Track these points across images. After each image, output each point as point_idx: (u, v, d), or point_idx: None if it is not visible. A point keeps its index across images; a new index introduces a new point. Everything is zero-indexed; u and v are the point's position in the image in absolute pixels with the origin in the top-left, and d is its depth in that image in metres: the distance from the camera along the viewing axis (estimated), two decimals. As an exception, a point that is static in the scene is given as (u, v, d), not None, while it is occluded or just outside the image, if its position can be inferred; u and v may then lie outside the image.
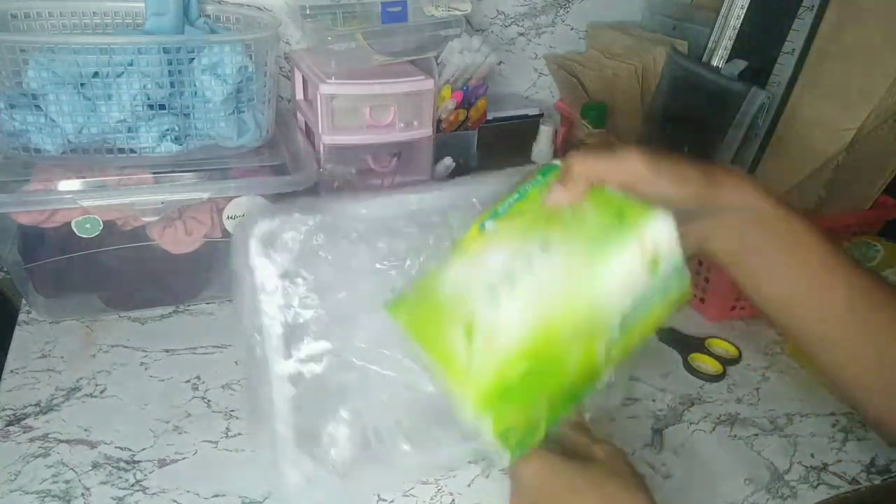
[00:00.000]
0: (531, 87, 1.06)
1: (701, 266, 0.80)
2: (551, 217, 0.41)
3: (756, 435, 0.63)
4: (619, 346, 0.41)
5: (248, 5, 0.80)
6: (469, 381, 0.38)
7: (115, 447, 0.58)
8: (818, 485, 0.58)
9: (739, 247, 0.46)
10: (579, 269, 0.39)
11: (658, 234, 0.41)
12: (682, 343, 0.73)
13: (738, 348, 0.74)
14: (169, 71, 0.66)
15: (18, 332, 0.70)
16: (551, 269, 0.39)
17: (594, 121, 0.88)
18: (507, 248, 0.40)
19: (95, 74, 0.65)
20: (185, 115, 0.69)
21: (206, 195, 0.67)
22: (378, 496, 0.54)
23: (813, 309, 0.46)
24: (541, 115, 0.96)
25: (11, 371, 0.65)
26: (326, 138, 0.76)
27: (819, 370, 0.48)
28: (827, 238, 0.46)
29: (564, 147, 0.91)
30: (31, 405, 0.61)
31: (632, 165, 0.42)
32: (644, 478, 0.44)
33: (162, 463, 0.56)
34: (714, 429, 0.64)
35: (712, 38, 0.85)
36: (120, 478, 0.55)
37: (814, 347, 0.47)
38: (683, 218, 0.43)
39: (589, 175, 0.42)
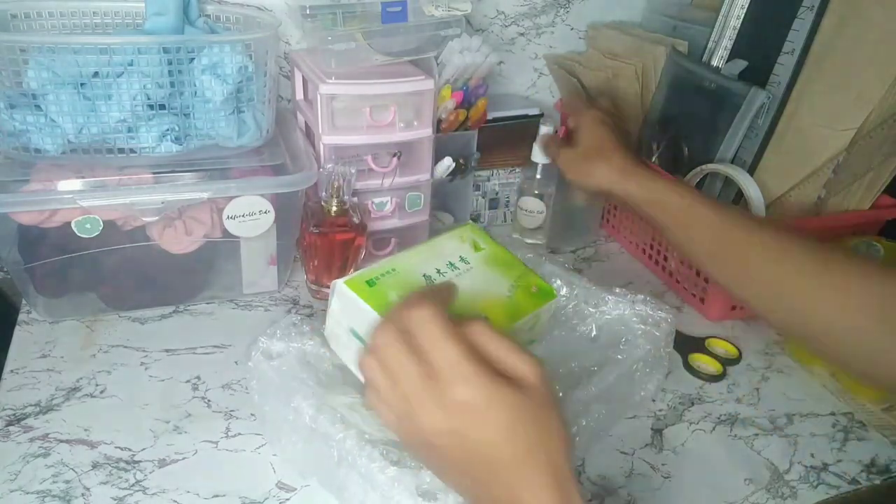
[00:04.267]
0: (531, 87, 1.06)
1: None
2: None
3: (756, 435, 0.63)
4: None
5: (248, 5, 0.80)
6: None
7: (115, 447, 0.58)
8: (818, 485, 0.58)
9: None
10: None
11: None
12: (682, 343, 0.73)
13: (738, 348, 0.74)
14: (169, 71, 0.66)
15: (18, 332, 0.70)
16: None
17: (594, 121, 0.88)
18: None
19: (95, 74, 0.65)
20: (185, 115, 0.69)
21: (206, 195, 0.67)
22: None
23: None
24: (541, 116, 0.95)
25: (11, 371, 0.65)
26: (326, 138, 0.76)
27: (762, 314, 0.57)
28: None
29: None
30: (31, 405, 0.61)
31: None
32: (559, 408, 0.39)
33: (162, 463, 0.56)
34: (714, 429, 0.64)
35: (712, 38, 0.85)
36: (120, 478, 0.55)
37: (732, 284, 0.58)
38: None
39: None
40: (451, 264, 0.57)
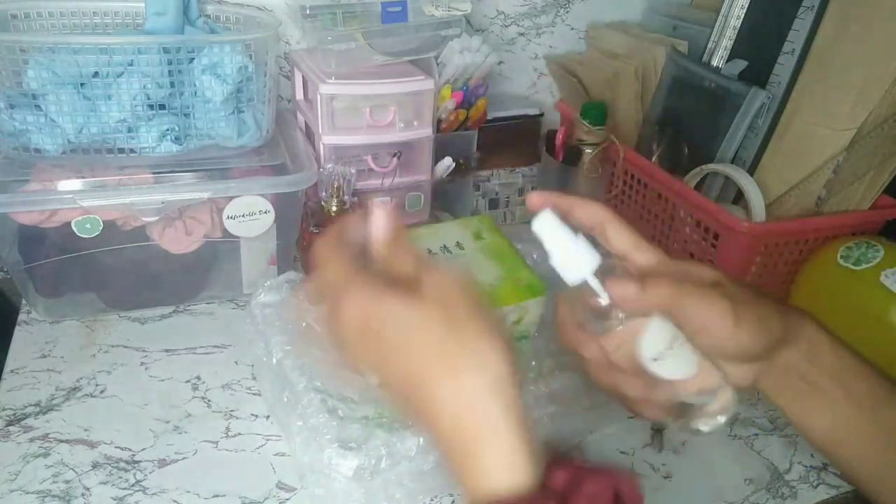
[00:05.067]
0: (531, 87, 1.06)
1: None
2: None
3: (756, 435, 0.63)
4: None
5: (248, 5, 0.80)
6: None
7: (115, 447, 0.58)
8: (818, 485, 0.58)
9: (791, 383, 0.44)
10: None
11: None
12: (682, 343, 0.73)
13: (738, 348, 0.74)
14: (169, 71, 0.66)
15: (18, 332, 0.70)
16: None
17: (594, 121, 0.88)
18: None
19: (95, 74, 0.65)
20: (185, 115, 0.69)
21: (206, 195, 0.67)
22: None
23: (864, 436, 0.43)
24: (541, 115, 0.96)
25: (11, 371, 0.65)
26: (326, 138, 0.76)
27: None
28: (870, 363, 0.44)
29: (564, 148, 0.90)
30: (31, 405, 0.61)
31: (713, 315, 0.40)
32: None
33: (162, 463, 0.56)
34: (714, 429, 0.64)
35: (712, 38, 0.85)
36: (120, 478, 0.55)
37: (869, 477, 0.44)
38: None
39: (661, 305, 0.39)
40: (445, 247, 0.58)
